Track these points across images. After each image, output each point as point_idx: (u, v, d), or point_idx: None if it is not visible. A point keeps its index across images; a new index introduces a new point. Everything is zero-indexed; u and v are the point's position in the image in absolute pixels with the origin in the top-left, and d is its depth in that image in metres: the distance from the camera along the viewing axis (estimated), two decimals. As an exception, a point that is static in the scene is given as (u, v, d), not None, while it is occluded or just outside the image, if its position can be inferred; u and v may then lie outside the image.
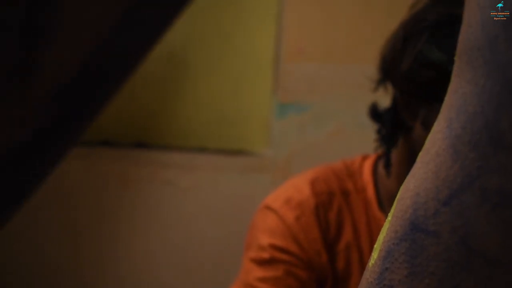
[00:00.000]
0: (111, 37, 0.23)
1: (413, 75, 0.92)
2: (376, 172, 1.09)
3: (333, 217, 1.05)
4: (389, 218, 0.29)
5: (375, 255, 0.29)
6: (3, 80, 0.21)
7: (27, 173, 0.23)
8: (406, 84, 0.94)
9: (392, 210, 0.29)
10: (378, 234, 0.92)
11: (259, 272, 1.02)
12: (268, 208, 1.07)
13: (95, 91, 0.24)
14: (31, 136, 0.22)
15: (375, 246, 0.29)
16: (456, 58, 0.28)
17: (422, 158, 0.28)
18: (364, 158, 1.13)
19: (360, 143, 1.68)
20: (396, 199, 0.29)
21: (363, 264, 1.03)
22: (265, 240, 1.04)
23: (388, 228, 0.29)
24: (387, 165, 1.05)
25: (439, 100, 0.89)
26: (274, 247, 1.03)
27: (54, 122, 0.23)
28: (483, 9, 0.26)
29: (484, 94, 0.26)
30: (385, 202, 1.06)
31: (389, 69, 0.98)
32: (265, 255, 1.03)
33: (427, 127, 0.93)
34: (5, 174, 0.23)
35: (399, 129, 1.03)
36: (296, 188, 1.07)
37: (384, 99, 1.08)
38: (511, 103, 0.25)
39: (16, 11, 0.21)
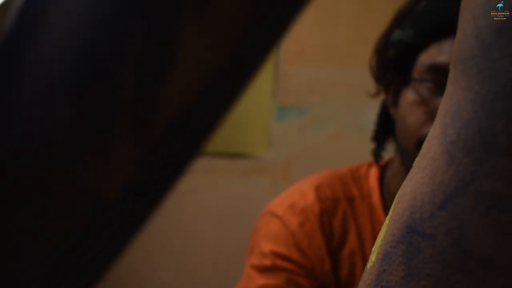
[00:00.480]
0: (223, 73, 0.23)
1: (380, 57, 1.01)
2: (383, 178, 1.09)
3: (338, 223, 1.05)
4: (386, 221, 0.30)
5: (373, 257, 0.30)
6: (120, 117, 0.21)
7: (138, 213, 0.23)
8: (378, 68, 1.02)
9: (389, 214, 0.30)
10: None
11: (260, 280, 1.02)
12: (272, 213, 1.07)
13: (206, 126, 0.24)
14: (145, 176, 0.22)
15: (373, 249, 0.30)
16: (451, 66, 0.29)
17: (419, 163, 0.29)
18: (370, 164, 1.13)
19: (360, 145, 1.69)
20: (394, 202, 0.30)
21: None
22: (267, 246, 1.04)
23: (385, 231, 0.29)
24: (377, 158, 1.08)
25: (404, 78, 0.98)
26: (276, 254, 1.03)
27: (165, 161, 0.23)
28: (478, 19, 0.27)
29: (478, 101, 0.27)
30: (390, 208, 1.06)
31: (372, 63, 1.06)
32: (267, 262, 1.03)
33: (397, 105, 1.00)
34: (119, 214, 0.23)
35: (389, 126, 1.05)
36: (300, 193, 1.07)
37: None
38: (504, 110, 0.26)
39: (132, 48, 0.21)
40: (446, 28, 0.92)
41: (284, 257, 1.03)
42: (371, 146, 1.12)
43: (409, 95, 0.96)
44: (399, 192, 0.30)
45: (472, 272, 0.26)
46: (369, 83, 1.09)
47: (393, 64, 1.00)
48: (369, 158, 1.15)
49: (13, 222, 0.21)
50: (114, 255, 0.25)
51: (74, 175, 0.21)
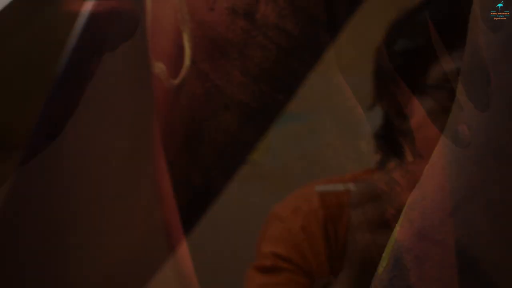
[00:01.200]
0: (253, 111, 0.24)
1: (382, 68, 1.02)
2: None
3: (343, 230, 1.05)
4: (397, 228, 0.31)
5: (383, 263, 0.31)
6: (172, 145, 0.22)
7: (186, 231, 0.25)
8: (380, 79, 1.04)
9: (399, 221, 0.31)
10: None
11: (261, 279, 1.03)
12: (275, 216, 1.07)
13: (243, 153, 0.25)
14: (195, 197, 0.23)
15: (383, 254, 0.31)
16: (460, 78, 0.30)
17: (428, 171, 0.30)
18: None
19: (359, 153, 1.70)
20: (404, 210, 0.31)
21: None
22: (267, 248, 1.04)
23: (396, 237, 0.30)
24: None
25: (413, 87, 0.99)
26: (276, 255, 1.03)
27: (211, 183, 0.24)
28: (486, 34, 0.28)
29: (486, 112, 0.28)
30: None
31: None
32: (267, 262, 1.03)
33: (404, 115, 1.01)
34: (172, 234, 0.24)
35: (393, 137, 1.05)
36: (305, 198, 1.07)
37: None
38: None
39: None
40: (458, 34, 0.93)
41: (284, 258, 1.03)
42: (369, 154, 1.12)
43: (425, 104, 0.96)
44: (409, 199, 0.31)
45: (480, 278, 0.27)
46: (369, 91, 1.09)
47: (401, 74, 1.00)
48: (367, 166, 1.15)
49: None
50: (155, 271, 0.26)
51: (132, 198, 0.22)
